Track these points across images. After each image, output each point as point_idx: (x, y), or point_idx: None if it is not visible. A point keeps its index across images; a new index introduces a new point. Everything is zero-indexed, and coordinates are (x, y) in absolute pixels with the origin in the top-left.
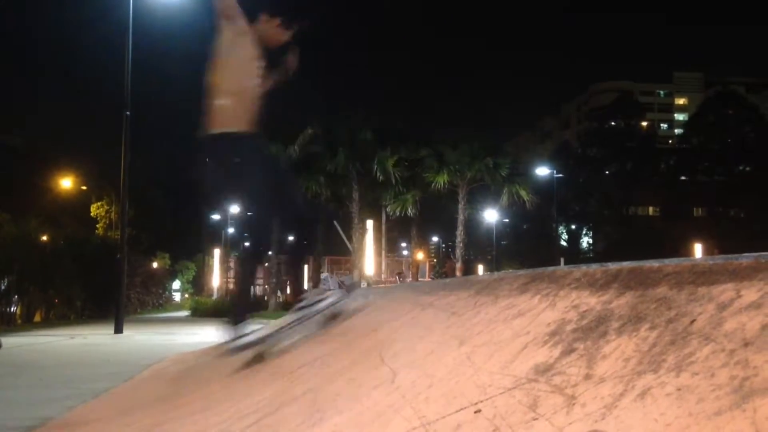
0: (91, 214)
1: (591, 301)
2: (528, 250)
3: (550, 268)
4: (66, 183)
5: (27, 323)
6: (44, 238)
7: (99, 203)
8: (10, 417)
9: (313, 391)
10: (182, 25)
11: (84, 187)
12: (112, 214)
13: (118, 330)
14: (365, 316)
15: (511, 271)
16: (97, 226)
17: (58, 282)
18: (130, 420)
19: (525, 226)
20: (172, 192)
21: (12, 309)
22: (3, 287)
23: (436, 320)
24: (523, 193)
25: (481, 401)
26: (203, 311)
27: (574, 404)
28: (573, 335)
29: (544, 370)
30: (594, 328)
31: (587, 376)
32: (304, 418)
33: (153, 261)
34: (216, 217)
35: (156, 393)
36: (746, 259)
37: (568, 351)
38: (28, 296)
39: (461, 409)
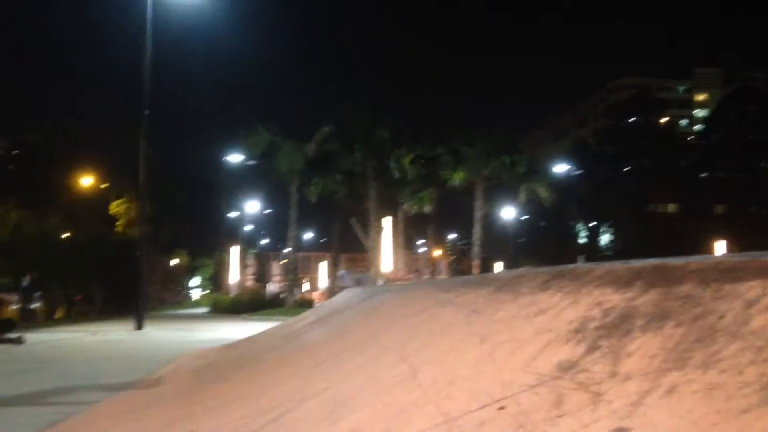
0: (111, 212)
1: (614, 298)
2: (545, 248)
3: (571, 266)
4: (86, 181)
5: (49, 320)
6: (65, 235)
7: (119, 201)
8: (35, 411)
9: (333, 387)
10: (201, 23)
11: (104, 185)
12: (132, 211)
13: (139, 326)
14: (383, 313)
15: (529, 268)
16: (117, 223)
17: (78, 279)
18: (152, 412)
19: (542, 224)
20: (190, 190)
21: (34, 306)
22: (25, 284)
23: (455, 317)
24: (540, 190)
25: (505, 398)
26: (221, 308)
27: (599, 401)
28: (597, 333)
29: (568, 368)
30: (618, 326)
31: (612, 374)
32: (326, 413)
33: (172, 258)
34: (234, 214)
35: (177, 388)
36: None
37: (593, 348)
38: (49, 293)
39: (484, 405)
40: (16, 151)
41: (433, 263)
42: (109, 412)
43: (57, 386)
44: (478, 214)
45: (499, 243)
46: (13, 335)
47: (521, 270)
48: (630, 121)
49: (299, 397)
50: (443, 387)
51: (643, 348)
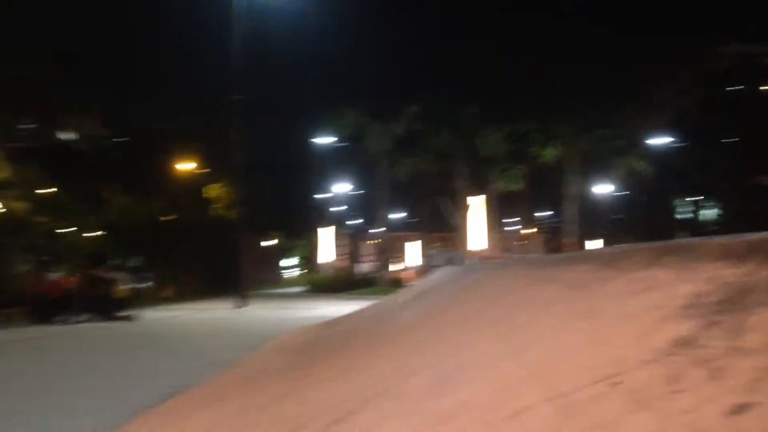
0: (208, 195)
1: (729, 272)
2: (643, 224)
3: (681, 240)
4: (184, 166)
5: (157, 298)
6: (168, 218)
7: (217, 184)
8: (154, 383)
9: (436, 364)
10: (288, 4)
11: (202, 170)
12: (228, 195)
13: (241, 305)
14: (482, 290)
15: (633, 244)
16: (215, 206)
17: (183, 260)
18: (262, 386)
19: (639, 199)
20: (283, 172)
21: (144, 285)
22: (134, 265)
23: (557, 294)
24: (637, 164)
25: (618, 374)
26: (317, 287)
27: (718, 377)
28: (713, 308)
29: (684, 343)
30: (736, 301)
31: (732, 349)
32: (433, 388)
33: (267, 239)
34: (325, 195)
35: (283, 363)
36: None
37: (710, 324)
38: (157, 273)
39: (597, 381)
40: (119, 139)
41: (524, 241)
42: (221, 386)
43: (169, 361)
44: (571, 191)
45: (593, 220)
46: (126, 313)
47: (624, 246)
48: (731, 90)
49: (405, 372)
50: (551, 363)
51: (765, 323)
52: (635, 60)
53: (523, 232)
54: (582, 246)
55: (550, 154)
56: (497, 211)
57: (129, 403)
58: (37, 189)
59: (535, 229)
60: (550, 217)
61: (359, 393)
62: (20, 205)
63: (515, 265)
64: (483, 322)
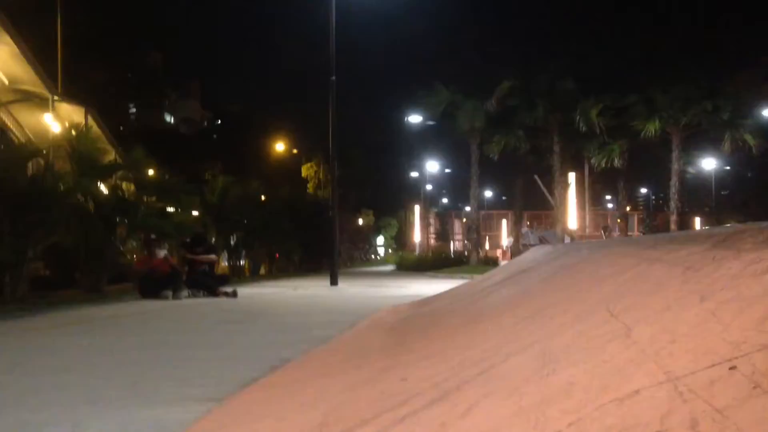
0: (302, 175)
1: None
2: (753, 201)
3: None
4: (280, 147)
5: (254, 275)
6: (263, 198)
7: (309, 164)
8: (256, 357)
9: (540, 343)
10: None
11: (295, 150)
12: (321, 174)
13: (334, 282)
14: (583, 270)
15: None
16: (308, 186)
17: (278, 238)
18: (360, 363)
19: (749, 174)
20: (374, 152)
21: (241, 263)
22: (233, 243)
23: (667, 275)
24: (748, 137)
25: (736, 358)
26: (407, 265)
27: None
28: None
29: None
30: None
31: None
32: (536, 368)
33: (359, 218)
34: (415, 174)
35: (379, 341)
36: None
37: None
38: (253, 251)
39: (713, 365)
40: (219, 121)
41: (623, 219)
42: (321, 361)
43: (269, 336)
44: (674, 166)
45: (698, 197)
46: (229, 289)
47: (741, 225)
48: None
49: (505, 351)
50: (663, 345)
51: None
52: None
53: (620, 210)
54: (687, 224)
55: (652, 127)
56: (593, 188)
57: (235, 375)
58: (143, 170)
59: (633, 208)
60: (651, 193)
61: (459, 372)
62: (129, 186)
63: (617, 244)
64: (588, 303)
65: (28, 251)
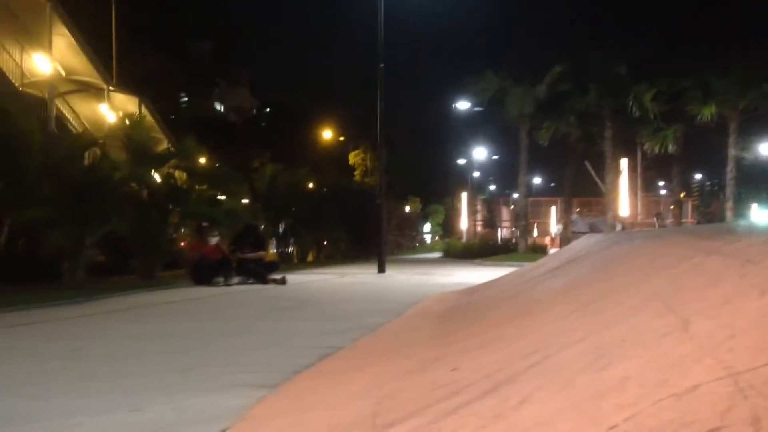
0: (349, 162)
1: None
2: None
3: None
4: (327, 134)
5: (302, 262)
6: (310, 185)
7: (356, 152)
8: (306, 345)
9: (593, 336)
10: None
11: (342, 138)
12: (368, 161)
13: (381, 270)
14: (636, 261)
15: None
16: (355, 173)
17: (325, 225)
18: (409, 352)
19: None
20: (421, 138)
21: (289, 250)
22: (281, 231)
23: (726, 268)
24: None
25: None
26: (454, 253)
27: None
28: None
29: None
30: None
31: None
32: (589, 361)
33: (406, 205)
34: (463, 161)
35: (427, 329)
36: None
37: None
38: (301, 238)
39: None
40: (268, 110)
41: (676, 206)
42: (369, 350)
43: (318, 323)
44: (731, 152)
45: (756, 184)
46: (278, 276)
47: None
48: None
49: (557, 343)
50: (722, 340)
51: None
52: None
53: (674, 197)
54: (744, 213)
55: (708, 112)
56: (646, 174)
57: (286, 362)
58: (194, 158)
59: (687, 195)
60: (706, 180)
61: (510, 363)
62: (181, 174)
63: (672, 234)
64: (642, 295)
65: (86, 239)
